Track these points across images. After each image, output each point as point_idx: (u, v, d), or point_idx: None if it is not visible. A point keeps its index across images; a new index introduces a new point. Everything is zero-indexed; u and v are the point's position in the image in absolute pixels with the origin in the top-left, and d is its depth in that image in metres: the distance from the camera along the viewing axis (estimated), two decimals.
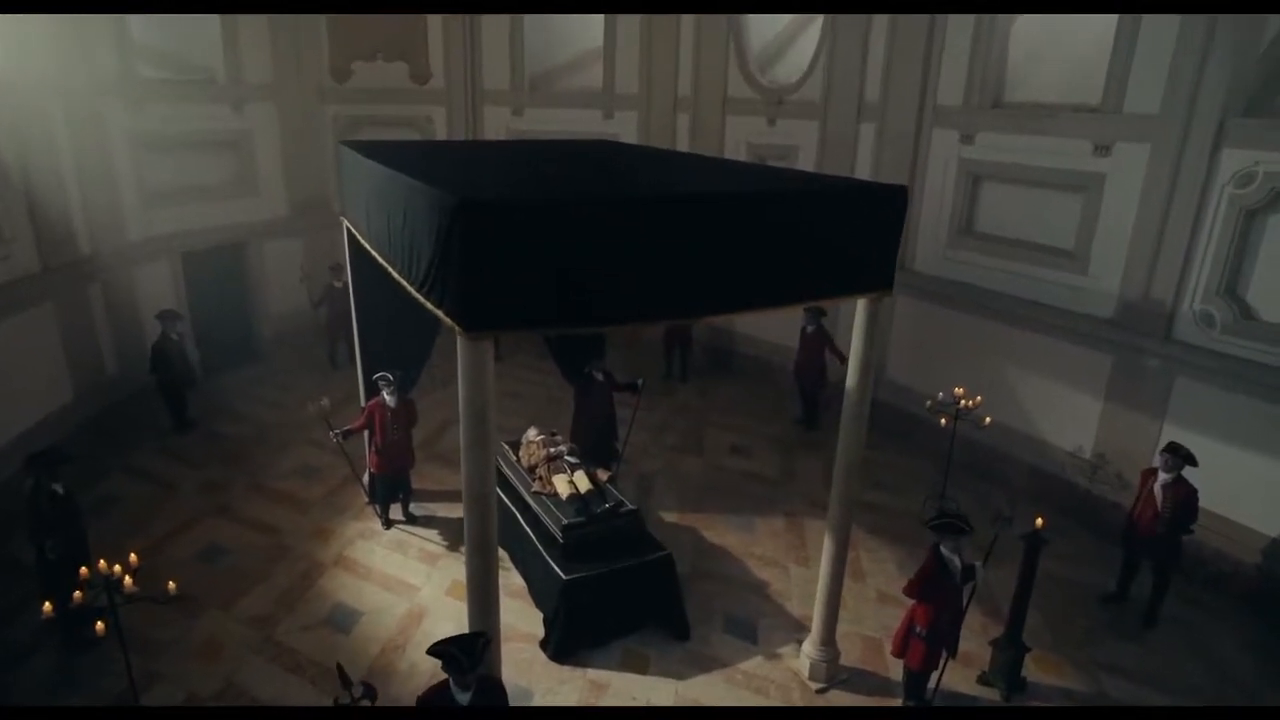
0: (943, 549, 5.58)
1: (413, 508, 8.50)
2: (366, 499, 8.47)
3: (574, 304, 4.12)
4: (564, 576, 6.38)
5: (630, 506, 6.96)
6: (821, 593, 6.15)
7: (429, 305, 4.50)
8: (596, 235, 4.08)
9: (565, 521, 6.68)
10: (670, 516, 8.69)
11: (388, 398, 7.87)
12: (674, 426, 10.96)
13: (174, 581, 5.08)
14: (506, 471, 7.82)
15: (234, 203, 12.11)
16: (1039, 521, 5.86)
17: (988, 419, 8.25)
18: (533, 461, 7.56)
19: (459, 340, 4.09)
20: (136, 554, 5.05)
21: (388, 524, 8.28)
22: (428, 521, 8.41)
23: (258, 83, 12.16)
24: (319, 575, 7.46)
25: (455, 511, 8.50)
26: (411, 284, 4.88)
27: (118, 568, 4.99)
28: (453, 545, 8.00)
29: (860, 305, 5.40)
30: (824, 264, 4.94)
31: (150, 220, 10.76)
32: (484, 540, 4.42)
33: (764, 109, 11.82)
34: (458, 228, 3.82)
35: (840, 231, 4.91)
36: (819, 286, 5.04)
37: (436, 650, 4.06)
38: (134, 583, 4.91)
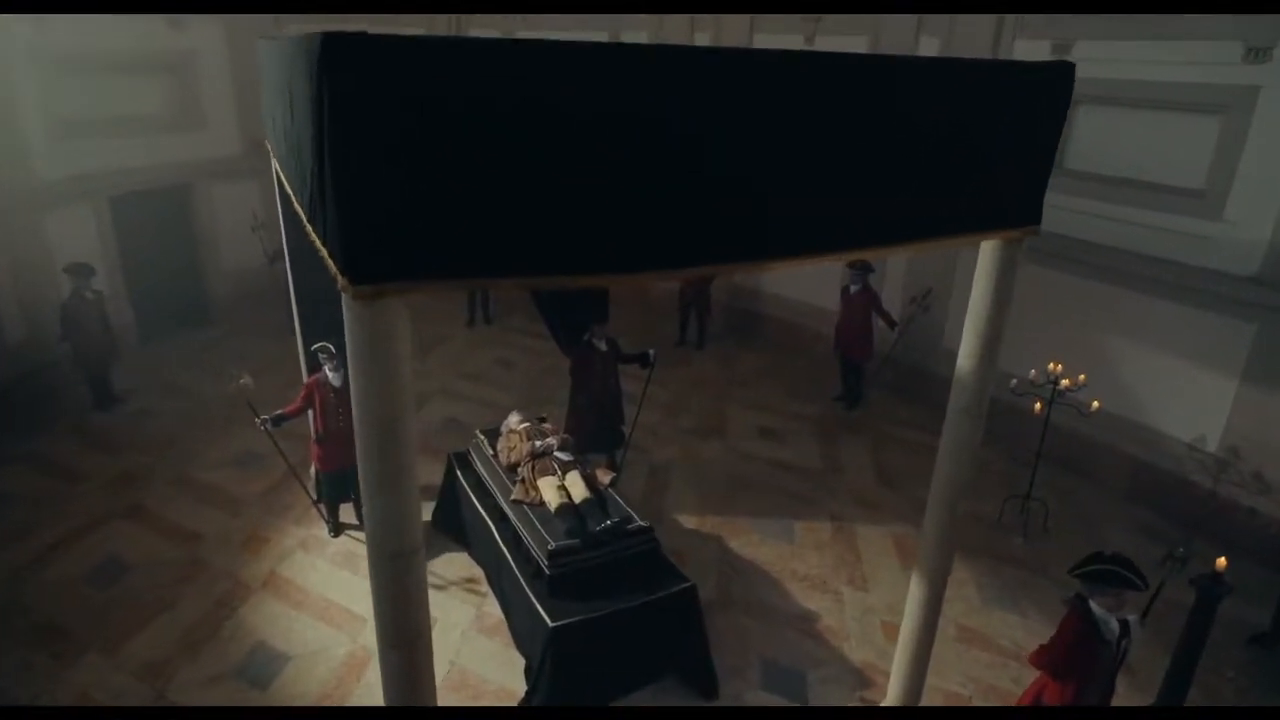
0: (1094, 606, 3.86)
1: None
2: (312, 498, 6.78)
3: (540, 239, 2.36)
4: (550, 622, 4.70)
5: (640, 523, 5.26)
6: (904, 656, 4.46)
7: (320, 250, 2.75)
8: (579, 113, 2.29)
9: (553, 545, 4.98)
10: (689, 520, 7.01)
11: (330, 374, 6.18)
12: (691, 405, 9.23)
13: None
14: (480, 470, 6.12)
15: (175, 137, 10.27)
16: (1221, 562, 4.14)
17: (1095, 403, 6.49)
18: (513, 459, 5.86)
19: (344, 304, 2.35)
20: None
21: (335, 530, 6.62)
22: None
23: None
24: (240, 602, 5.82)
25: (423, 512, 6.83)
26: (304, 213, 3.14)
27: None
28: None
29: (987, 251, 3.62)
30: (946, 183, 3.14)
31: (66, 156, 8.95)
32: (406, 632, 2.72)
33: (800, 25, 9.86)
34: (327, 85, 2.05)
35: (975, 133, 3.11)
36: (936, 219, 3.22)
37: None
38: None
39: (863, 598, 6.13)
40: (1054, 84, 3.27)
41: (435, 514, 6.66)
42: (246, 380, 5.95)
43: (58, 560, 6.16)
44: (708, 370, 10.21)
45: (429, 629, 2.81)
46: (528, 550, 5.16)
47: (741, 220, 2.71)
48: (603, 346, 7.26)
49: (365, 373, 2.37)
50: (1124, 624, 3.92)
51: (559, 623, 4.69)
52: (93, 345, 8.27)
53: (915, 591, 4.31)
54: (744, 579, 6.28)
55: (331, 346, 6.06)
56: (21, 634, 5.35)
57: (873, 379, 9.33)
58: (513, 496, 5.53)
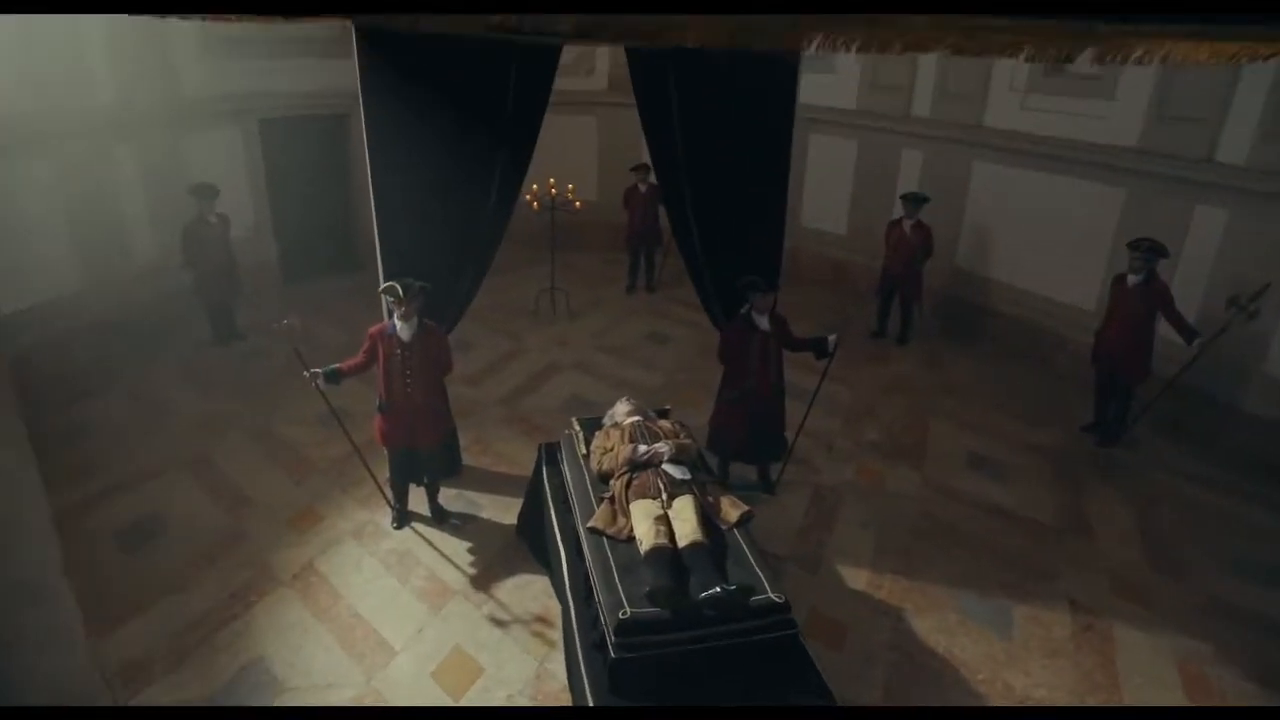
0: None
1: (447, 498, 5.48)
2: (377, 477, 5.48)
3: None
4: None
5: (772, 595, 3.36)
6: None
7: None
8: None
9: (626, 612, 3.23)
10: (856, 576, 5.01)
11: (398, 323, 4.83)
12: (880, 412, 7.09)
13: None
14: (566, 474, 4.50)
15: (336, 63, 9.52)
16: None
17: None
18: (607, 465, 4.16)
19: None
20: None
21: (401, 520, 5.31)
22: (463, 525, 5.36)
23: None
24: (259, 597, 4.63)
25: (506, 514, 5.39)
26: None
27: None
28: (483, 575, 4.88)
29: None
30: None
31: (213, 74, 8.36)
32: None
33: None
34: None
35: None
36: None
37: None
38: None
39: None
40: None
41: (520, 518, 5.17)
42: (291, 321, 4.73)
43: (102, 508, 5.37)
44: (908, 372, 7.97)
45: None
46: (596, 608, 3.47)
47: None
48: (764, 324, 5.39)
49: None
50: None
51: None
52: (213, 274, 7.60)
53: None
54: (928, 685, 4.21)
55: (400, 287, 4.70)
56: None
57: (1145, 407, 6.69)
58: (590, 523, 3.83)
